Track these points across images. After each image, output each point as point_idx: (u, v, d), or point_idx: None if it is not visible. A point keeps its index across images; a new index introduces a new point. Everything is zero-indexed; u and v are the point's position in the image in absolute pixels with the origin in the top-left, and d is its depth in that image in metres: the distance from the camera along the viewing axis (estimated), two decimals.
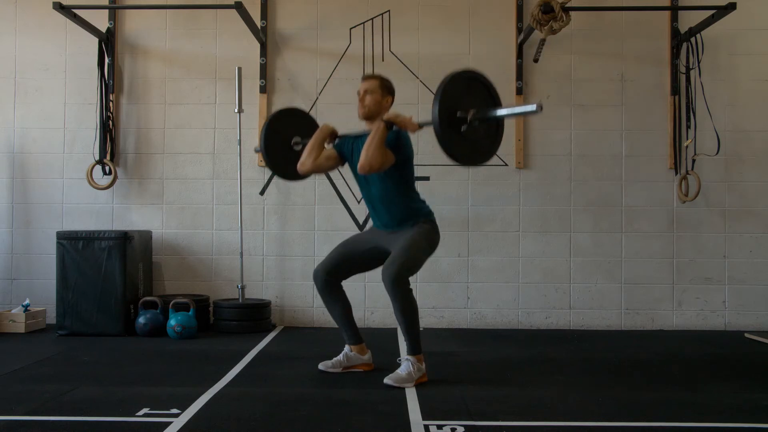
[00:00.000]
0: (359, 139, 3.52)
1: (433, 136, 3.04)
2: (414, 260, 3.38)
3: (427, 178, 5.12)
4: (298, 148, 3.76)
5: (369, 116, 3.51)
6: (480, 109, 3.09)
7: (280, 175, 3.90)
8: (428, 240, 3.48)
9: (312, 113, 5.22)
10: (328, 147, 3.65)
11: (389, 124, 3.31)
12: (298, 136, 3.78)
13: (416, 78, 5.22)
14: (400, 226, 3.49)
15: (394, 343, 4.40)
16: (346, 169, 3.83)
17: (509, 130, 5.20)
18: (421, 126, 3.28)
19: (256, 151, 4.24)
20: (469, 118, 3.05)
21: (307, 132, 3.70)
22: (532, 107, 2.96)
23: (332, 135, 3.62)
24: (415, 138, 4.93)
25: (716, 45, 5.16)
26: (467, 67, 3.27)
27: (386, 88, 3.55)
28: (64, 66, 5.29)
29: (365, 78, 3.59)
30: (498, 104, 3.20)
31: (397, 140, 3.39)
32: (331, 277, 3.57)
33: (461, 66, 5.13)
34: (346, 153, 3.62)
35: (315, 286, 3.63)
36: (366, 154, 3.27)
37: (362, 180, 3.54)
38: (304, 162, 3.54)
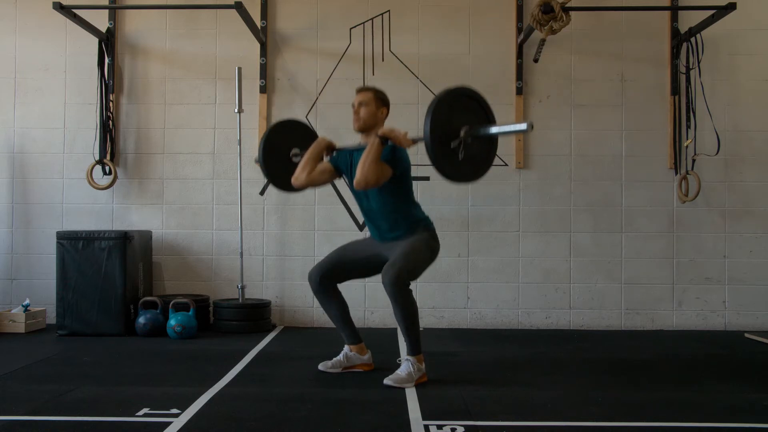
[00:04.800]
0: (356, 152, 3.49)
1: None
2: (415, 264, 3.37)
3: (427, 178, 5.12)
4: (296, 159, 3.72)
5: (364, 129, 3.49)
6: (472, 127, 3.06)
7: (280, 188, 3.86)
8: (428, 247, 3.47)
9: (312, 113, 5.23)
10: (326, 159, 3.63)
11: (384, 140, 3.28)
12: (297, 147, 3.76)
13: (416, 78, 5.22)
14: (398, 238, 3.47)
15: (394, 343, 4.40)
16: None
17: None
18: (415, 142, 3.26)
19: (256, 161, 4.21)
20: (461, 137, 3.03)
21: (306, 143, 3.67)
22: (522, 126, 3.02)
23: (329, 148, 3.58)
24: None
25: (716, 45, 5.16)
26: (457, 84, 3.21)
27: (380, 100, 3.52)
28: (64, 66, 5.29)
29: (359, 90, 3.56)
30: (490, 116, 3.17)
31: (393, 154, 3.35)
32: (325, 279, 3.56)
33: (460, 65, 5.19)
34: (343, 167, 3.59)
35: (310, 287, 3.63)
36: (362, 170, 3.25)
37: (360, 194, 3.52)
38: (298, 176, 3.52)
